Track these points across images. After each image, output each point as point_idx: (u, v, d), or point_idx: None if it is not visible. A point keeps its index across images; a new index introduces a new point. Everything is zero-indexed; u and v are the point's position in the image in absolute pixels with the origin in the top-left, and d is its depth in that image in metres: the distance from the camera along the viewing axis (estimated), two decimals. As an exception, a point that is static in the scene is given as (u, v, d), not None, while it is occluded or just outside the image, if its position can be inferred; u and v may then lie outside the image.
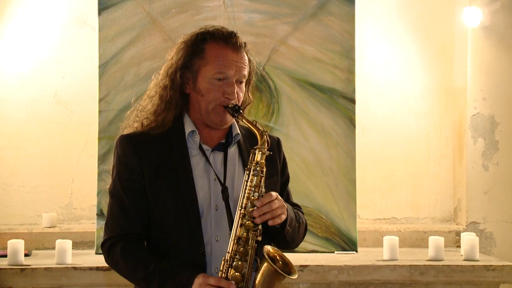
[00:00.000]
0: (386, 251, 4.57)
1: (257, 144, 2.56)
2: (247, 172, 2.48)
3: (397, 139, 5.35)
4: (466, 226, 5.14)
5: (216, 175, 2.56)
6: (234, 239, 2.42)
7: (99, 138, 4.76)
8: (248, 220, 2.42)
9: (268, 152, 2.50)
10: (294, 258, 4.55)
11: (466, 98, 5.17)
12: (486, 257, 4.75)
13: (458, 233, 5.10)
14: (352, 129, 4.91)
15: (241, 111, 2.53)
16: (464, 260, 4.57)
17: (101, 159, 4.73)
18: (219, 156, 2.61)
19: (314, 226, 4.82)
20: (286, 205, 2.53)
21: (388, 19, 5.35)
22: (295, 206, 2.78)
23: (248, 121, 2.52)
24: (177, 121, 2.62)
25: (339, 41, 4.94)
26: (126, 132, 2.67)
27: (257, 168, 2.47)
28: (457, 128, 5.30)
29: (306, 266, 4.37)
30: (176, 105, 2.62)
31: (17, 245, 4.31)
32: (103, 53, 4.80)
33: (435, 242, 4.59)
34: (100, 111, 4.78)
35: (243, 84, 2.60)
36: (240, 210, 2.44)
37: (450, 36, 5.35)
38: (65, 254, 4.34)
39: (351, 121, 4.91)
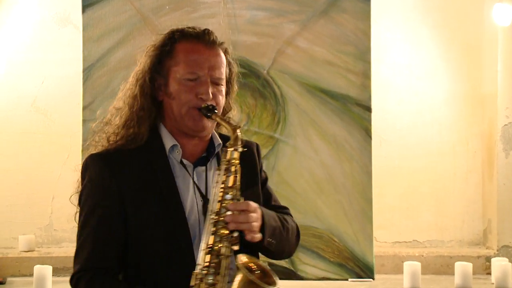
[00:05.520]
0: (406, 278, 4.56)
1: (249, 155, 2.60)
2: (218, 172, 2.46)
3: (419, 152, 5.35)
4: (497, 251, 5.14)
5: (200, 191, 2.56)
6: (206, 249, 2.39)
7: (83, 151, 4.76)
8: (222, 227, 2.39)
9: (243, 148, 2.48)
10: (302, 285, 4.55)
11: (497, 106, 5.18)
12: (520, 286, 4.75)
13: (488, 258, 5.09)
14: (368, 141, 4.91)
15: (215, 111, 2.50)
16: (495, 288, 4.58)
17: (85, 174, 4.73)
18: (203, 171, 2.61)
19: (326, 250, 4.82)
20: (267, 214, 2.52)
21: (408, 17, 5.36)
22: (281, 208, 2.77)
23: (221, 118, 2.51)
24: (153, 134, 2.61)
25: (353, 42, 4.95)
26: (92, 151, 2.65)
27: (231, 167, 2.45)
28: (487, 140, 5.31)
29: (316, 295, 4.37)
30: (149, 115, 2.60)
31: (-10, 272, 4.32)
32: (87, 55, 4.82)
33: (462, 268, 4.58)
34: (84, 120, 4.79)
35: (221, 86, 2.59)
36: (212, 215, 2.42)
37: (478, 36, 5.36)
38: (45, 281, 4.34)
39: (367, 131, 4.91)
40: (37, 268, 4.37)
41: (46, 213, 5.14)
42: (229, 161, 2.45)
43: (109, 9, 4.85)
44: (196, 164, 2.60)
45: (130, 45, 4.86)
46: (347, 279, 4.81)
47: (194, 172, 2.59)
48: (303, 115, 4.91)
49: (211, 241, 2.40)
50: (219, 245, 2.39)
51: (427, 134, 5.36)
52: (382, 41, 5.29)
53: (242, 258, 2.37)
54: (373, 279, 4.82)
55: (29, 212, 5.14)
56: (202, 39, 2.58)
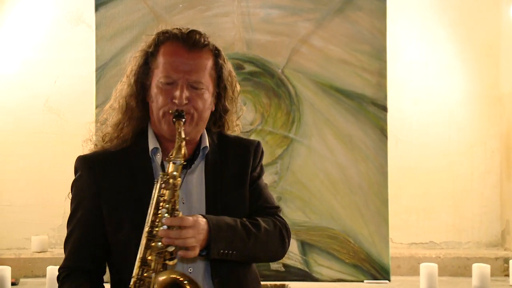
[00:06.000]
0: (423, 280, 4.54)
1: (244, 154, 2.61)
2: (156, 185, 2.43)
3: (436, 152, 5.33)
4: (515, 252, 5.12)
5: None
6: (139, 262, 2.38)
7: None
8: (158, 241, 2.37)
9: (183, 162, 2.43)
10: (317, 287, 4.53)
11: (515, 105, 5.17)
12: (538, 288, 4.73)
13: (506, 260, 5.06)
14: (383, 141, 4.90)
15: (182, 118, 2.47)
16: (514, 291, 4.56)
17: (98, 174, 4.74)
18: (183, 174, 2.56)
19: (341, 251, 4.80)
20: (220, 225, 2.46)
21: (425, 15, 5.34)
22: (268, 209, 2.70)
23: (178, 126, 2.46)
24: (141, 136, 2.62)
25: (368, 41, 4.94)
26: (86, 148, 2.70)
27: (169, 180, 2.41)
28: (505, 140, 5.28)
29: (331, 297, 4.36)
30: (137, 116, 2.62)
31: (3, 273, 4.32)
32: (100, 54, 4.83)
33: (480, 270, 4.56)
34: (97, 120, 4.79)
35: (202, 90, 2.55)
36: (146, 228, 2.40)
37: (496, 35, 5.34)
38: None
39: (382, 131, 4.90)
40: (50, 269, 4.38)
41: (59, 214, 5.14)
42: (167, 174, 2.42)
43: (122, 8, 4.86)
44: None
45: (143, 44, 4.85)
46: (362, 281, 4.80)
47: None
48: (318, 114, 4.90)
49: (147, 255, 2.39)
50: (152, 259, 2.38)
51: (444, 134, 5.33)
52: (398, 40, 5.27)
53: (158, 278, 2.34)
54: (389, 280, 4.81)
55: (42, 212, 5.15)
56: (183, 41, 2.55)
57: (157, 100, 2.54)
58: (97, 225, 2.56)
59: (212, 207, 2.56)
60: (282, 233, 2.66)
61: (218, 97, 2.66)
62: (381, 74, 4.93)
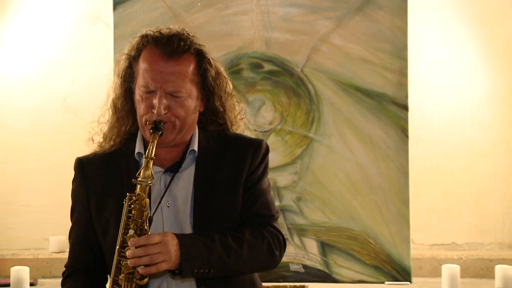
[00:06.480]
0: (445, 281, 4.51)
1: (241, 156, 2.59)
2: (124, 204, 2.42)
3: (457, 152, 5.29)
4: (539, 254, 5.08)
5: (162, 198, 2.54)
6: (111, 282, 2.41)
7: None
8: (126, 261, 2.37)
9: (149, 183, 2.40)
10: (338, 289, 4.49)
11: (539, 104, 5.13)
12: None
13: (530, 262, 5.03)
14: (404, 141, 4.87)
15: (159, 131, 2.46)
16: (537, 293, 4.51)
17: (116, 174, 4.75)
18: (169, 177, 2.57)
19: (361, 253, 4.78)
20: (194, 244, 2.41)
21: (447, 14, 5.31)
22: (261, 217, 2.64)
23: (152, 141, 2.44)
24: (132, 138, 2.63)
25: (389, 39, 4.91)
26: (91, 148, 2.75)
27: (136, 202, 2.39)
28: (528, 139, 5.25)
29: (351, 299, 4.34)
30: (127, 118, 2.63)
31: (21, 273, 4.33)
32: (118, 53, 4.82)
33: (503, 271, 4.52)
34: (115, 120, 4.80)
35: (182, 98, 2.51)
36: (117, 247, 2.41)
37: (519, 32, 5.31)
38: (75, 283, 4.34)
39: (403, 131, 4.87)
40: (67, 270, 4.38)
41: (77, 214, 5.16)
42: (134, 195, 2.40)
43: (140, 7, 4.86)
44: (167, 170, 2.58)
45: (161, 43, 4.85)
46: (383, 282, 4.78)
47: (163, 177, 2.57)
48: (338, 114, 4.88)
49: (116, 275, 2.41)
50: (121, 279, 2.39)
51: (466, 134, 5.29)
52: (419, 38, 5.24)
53: None
54: (411, 282, 4.78)
55: (59, 212, 5.15)
56: (162, 48, 2.51)
57: (139, 107, 2.54)
58: (90, 227, 2.61)
59: (199, 213, 2.53)
60: (270, 245, 2.58)
61: (207, 98, 2.63)
62: (402, 73, 4.90)
